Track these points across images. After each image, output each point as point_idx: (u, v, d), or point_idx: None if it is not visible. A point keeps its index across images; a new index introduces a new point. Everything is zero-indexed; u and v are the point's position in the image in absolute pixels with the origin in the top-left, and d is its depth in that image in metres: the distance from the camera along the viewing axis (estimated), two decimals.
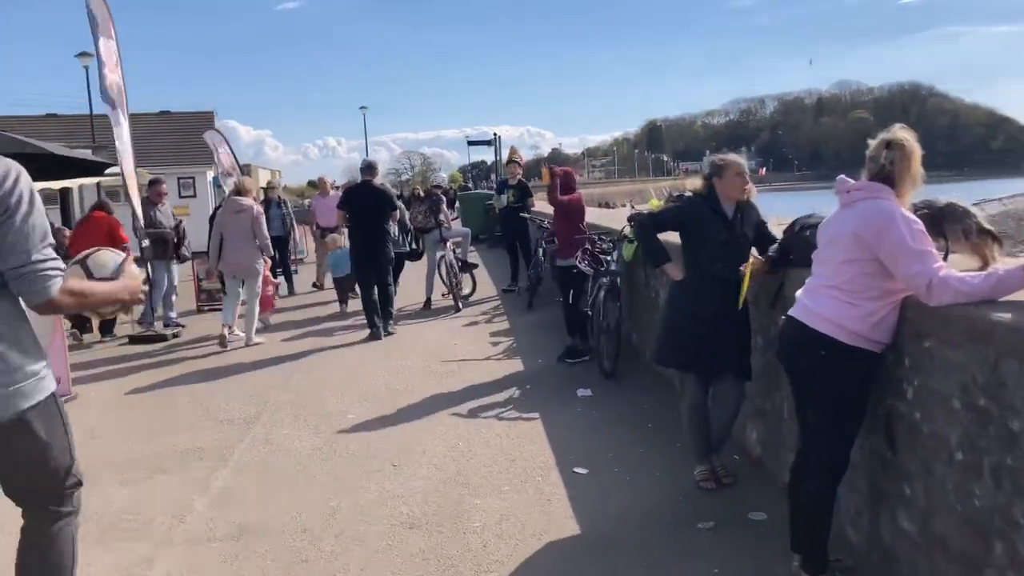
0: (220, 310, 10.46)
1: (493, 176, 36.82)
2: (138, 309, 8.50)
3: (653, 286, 6.84)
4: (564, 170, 8.44)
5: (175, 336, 9.69)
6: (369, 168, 9.51)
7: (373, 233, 9.07)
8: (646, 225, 4.71)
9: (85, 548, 2.95)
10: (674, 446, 4.93)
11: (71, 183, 12.37)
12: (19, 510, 2.59)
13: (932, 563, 2.86)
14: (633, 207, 10.83)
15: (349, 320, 10.25)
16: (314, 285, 13.60)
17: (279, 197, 13.81)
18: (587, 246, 7.22)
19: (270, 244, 9.27)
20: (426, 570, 3.60)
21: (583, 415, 5.80)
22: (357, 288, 10.03)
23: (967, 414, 2.60)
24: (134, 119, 10.83)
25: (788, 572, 3.31)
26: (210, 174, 22.56)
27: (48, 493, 2.54)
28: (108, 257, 2.70)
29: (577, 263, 7.16)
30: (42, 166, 8.62)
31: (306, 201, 19.24)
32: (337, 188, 16.19)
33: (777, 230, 4.42)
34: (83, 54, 24.11)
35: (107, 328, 9.85)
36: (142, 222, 9.12)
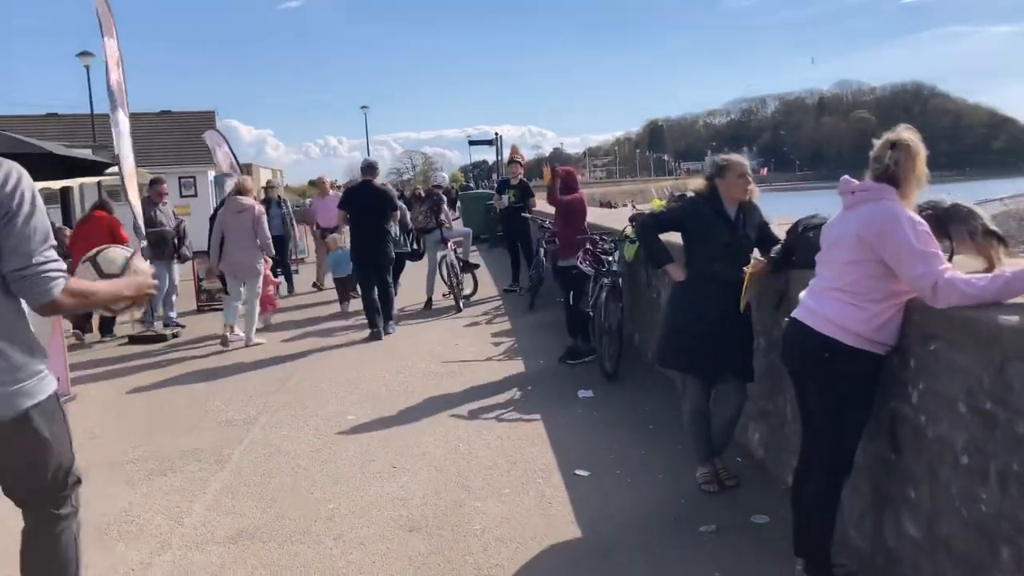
0: (220, 310, 10.46)
1: (494, 176, 36.79)
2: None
3: (655, 287, 6.81)
4: (565, 170, 8.41)
5: (175, 336, 9.67)
6: (370, 168, 9.50)
7: (374, 233, 9.05)
8: (648, 226, 4.69)
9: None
10: (676, 448, 4.91)
11: (71, 182, 12.36)
12: (18, 512, 2.57)
13: (936, 567, 2.83)
14: (634, 207, 10.75)
15: (349, 320, 10.23)
16: (314, 285, 13.59)
17: (279, 196, 13.79)
18: (588, 246, 7.19)
19: (271, 244, 9.27)
20: (426, 574, 3.57)
21: (584, 416, 5.77)
22: (358, 288, 10.01)
23: (973, 418, 2.57)
24: (135, 118, 10.81)
25: None
26: (211, 173, 22.53)
27: (48, 492, 2.53)
28: (118, 253, 2.74)
29: (578, 263, 7.14)
30: (42, 165, 8.61)
31: (307, 200, 19.17)
32: (338, 188, 16.17)
33: (779, 230, 4.39)
34: (84, 53, 24.12)
35: (107, 328, 9.84)
36: (142, 222, 9.08)
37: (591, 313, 7.09)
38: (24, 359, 2.37)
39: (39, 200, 2.34)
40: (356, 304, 10.39)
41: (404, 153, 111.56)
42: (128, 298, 2.67)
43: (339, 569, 3.64)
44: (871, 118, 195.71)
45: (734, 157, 4.38)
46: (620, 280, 7.11)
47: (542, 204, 12.19)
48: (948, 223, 3.01)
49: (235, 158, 12.87)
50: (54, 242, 2.38)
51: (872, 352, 2.97)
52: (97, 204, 10.04)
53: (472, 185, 41.82)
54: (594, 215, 9.66)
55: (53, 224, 2.46)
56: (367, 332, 9.03)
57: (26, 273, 2.26)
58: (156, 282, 2.82)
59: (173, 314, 10.10)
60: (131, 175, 9.28)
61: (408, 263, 11.14)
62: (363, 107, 48.79)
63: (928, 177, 2.94)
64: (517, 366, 7.40)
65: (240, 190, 9.20)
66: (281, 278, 12.24)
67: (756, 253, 4.29)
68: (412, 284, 11.56)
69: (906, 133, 2.95)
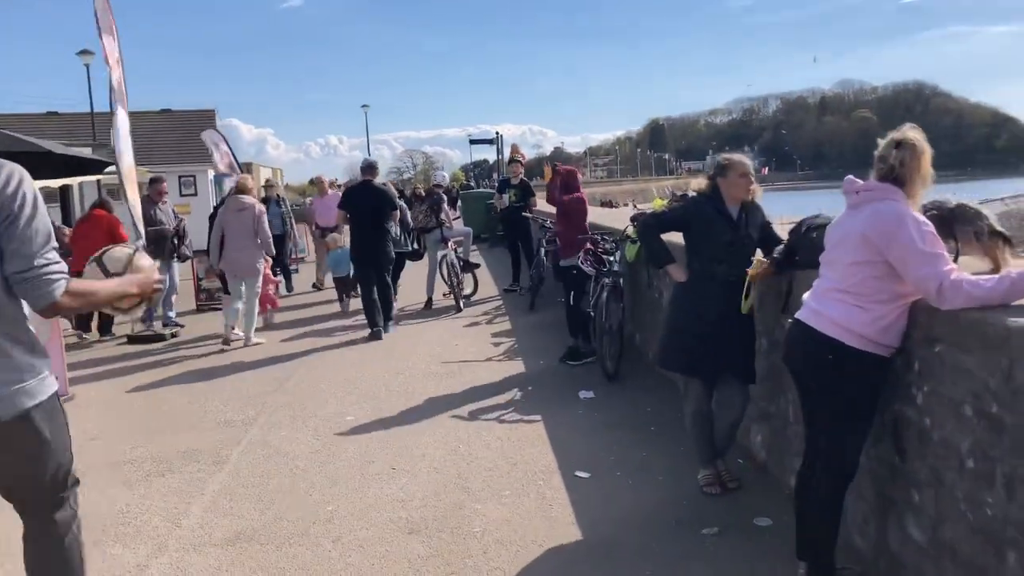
0: (219, 310, 10.44)
1: (495, 175, 36.75)
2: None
3: (656, 287, 6.78)
4: (567, 169, 8.38)
5: (174, 336, 9.64)
6: (370, 168, 9.49)
7: (373, 232, 9.04)
8: (649, 225, 4.65)
9: None
10: (677, 449, 4.87)
11: (71, 181, 12.32)
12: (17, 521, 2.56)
13: (941, 572, 2.80)
14: (635, 206, 10.74)
15: (349, 320, 10.20)
16: (314, 286, 13.53)
17: (278, 195, 13.75)
18: (589, 246, 7.15)
19: (272, 243, 9.25)
20: None
21: (585, 417, 5.73)
22: (357, 287, 9.98)
23: (979, 421, 2.53)
24: (135, 117, 10.79)
25: None
26: (211, 172, 22.49)
27: (47, 494, 2.53)
28: (122, 252, 2.76)
29: (579, 263, 7.10)
30: (41, 164, 8.57)
31: (307, 200, 19.14)
32: (339, 187, 16.13)
33: (780, 230, 4.36)
34: (84, 52, 24.10)
35: (106, 328, 9.82)
36: (140, 221, 9.05)
37: (592, 313, 7.05)
38: (26, 359, 2.37)
39: (41, 202, 2.35)
40: (356, 303, 10.36)
41: (405, 152, 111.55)
42: (134, 296, 2.67)
43: (338, 571, 3.61)
44: (873, 118, 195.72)
45: (736, 156, 4.34)
46: (621, 280, 7.07)
47: (543, 203, 12.16)
48: (953, 224, 2.98)
49: (235, 157, 12.82)
50: (56, 244, 2.38)
51: (876, 354, 2.94)
52: (97, 203, 10.01)
53: (473, 184, 41.85)
54: (595, 215, 9.63)
55: (52, 223, 2.45)
56: (367, 332, 9.00)
57: (28, 275, 2.26)
58: (161, 277, 2.83)
59: (172, 314, 10.07)
60: (130, 174, 9.25)
61: (408, 263, 11.11)
62: (364, 106, 48.79)
63: (933, 177, 2.91)
64: (517, 366, 7.37)
65: (241, 189, 9.19)
66: (280, 277, 12.21)
67: (758, 253, 4.25)
68: (412, 284, 11.53)
69: (911, 132, 2.91)
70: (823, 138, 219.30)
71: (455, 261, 10.74)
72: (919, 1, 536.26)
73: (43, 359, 2.44)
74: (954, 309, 2.63)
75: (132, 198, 9.10)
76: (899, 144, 2.89)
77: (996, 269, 2.88)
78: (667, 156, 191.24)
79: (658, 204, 7.64)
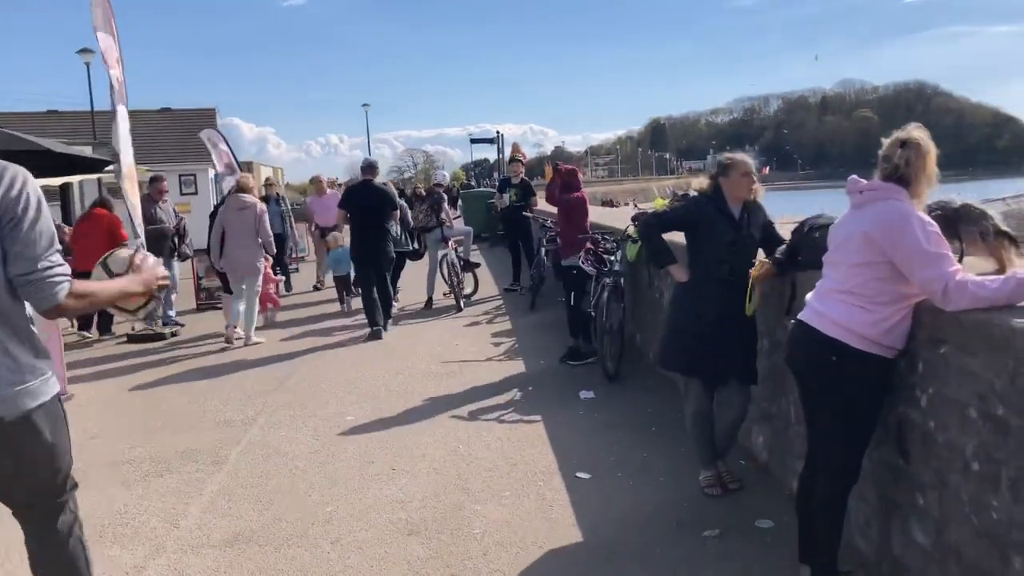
0: (220, 309, 10.42)
1: (496, 174, 36.72)
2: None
3: (657, 287, 6.75)
4: (568, 168, 8.36)
5: (174, 335, 9.62)
6: (370, 167, 9.48)
7: (374, 232, 9.03)
8: (651, 225, 4.62)
9: None
10: (678, 450, 4.85)
11: (71, 179, 12.31)
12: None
13: (945, 575, 2.77)
14: (636, 206, 10.71)
15: (349, 319, 10.18)
16: (315, 288, 13.47)
17: (278, 194, 13.72)
18: (590, 246, 7.12)
19: (273, 242, 9.24)
20: None
21: (585, 418, 5.71)
22: (353, 287, 9.97)
23: (984, 423, 2.50)
24: (135, 116, 10.76)
25: None
26: (211, 171, 22.46)
27: (47, 497, 2.53)
28: (126, 253, 2.78)
29: (580, 263, 7.08)
30: (41, 163, 8.56)
31: (307, 199, 19.11)
32: (339, 186, 16.11)
33: (781, 230, 4.33)
34: (85, 50, 24.09)
35: (105, 327, 9.80)
36: (138, 220, 9.03)
37: (592, 313, 7.03)
38: (30, 360, 2.37)
39: (45, 204, 2.35)
40: (356, 303, 10.34)
41: (405, 151, 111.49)
42: (139, 294, 2.69)
43: (336, 573, 3.59)
44: (874, 117, 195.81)
45: (738, 156, 4.31)
46: (622, 280, 7.05)
47: (543, 203, 12.14)
48: (958, 224, 2.95)
49: (234, 157, 12.79)
50: (59, 246, 2.39)
51: (879, 356, 2.91)
52: (97, 202, 9.99)
53: (473, 183, 41.81)
54: (596, 214, 9.60)
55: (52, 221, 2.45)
56: (367, 331, 8.98)
57: (32, 278, 2.27)
58: (166, 272, 2.83)
59: (172, 313, 10.05)
60: (130, 173, 9.22)
61: (408, 262, 11.09)
62: (364, 105, 48.77)
63: (939, 176, 2.88)
64: (518, 366, 7.34)
65: (242, 188, 9.17)
66: (281, 276, 12.19)
67: (760, 253, 4.22)
68: (412, 283, 11.51)
69: (916, 132, 2.88)
70: (824, 138, 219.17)
71: (455, 260, 10.72)
72: (920, 1, 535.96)
73: (46, 360, 2.45)
74: (959, 310, 2.61)
75: (132, 197, 9.08)
76: (904, 143, 2.86)
77: (1001, 269, 2.85)
78: (668, 155, 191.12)
79: (659, 204, 7.62)
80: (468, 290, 11.15)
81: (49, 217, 2.36)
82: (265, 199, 12.21)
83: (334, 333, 9.40)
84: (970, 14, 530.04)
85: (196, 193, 23.83)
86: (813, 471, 3.20)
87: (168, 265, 9.75)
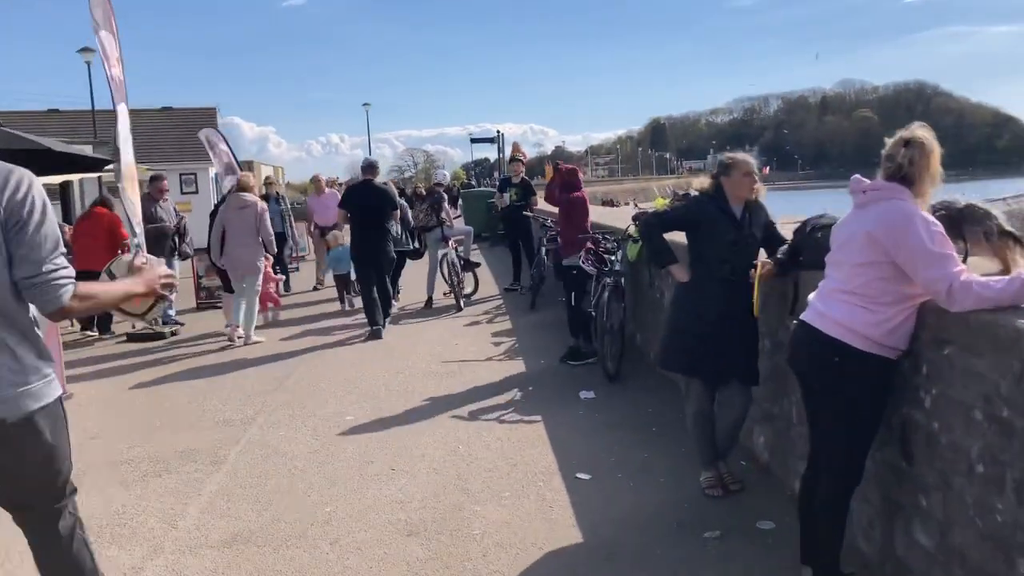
0: (220, 308, 10.40)
1: (496, 174, 36.70)
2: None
3: (658, 287, 6.73)
4: (569, 167, 8.34)
5: (173, 334, 9.60)
6: (370, 167, 9.47)
7: (374, 232, 9.02)
8: (652, 225, 4.60)
9: None
10: (679, 450, 4.82)
11: (71, 177, 12.29)
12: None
13: None
14: (636, 205, 10.67)
15: (349, 319, 10.16)
16: (315, 288, 13.44)
17: (277, 193, 13.69)
18: (591, 245, 7.10)
19: (274, 241, 9.22)
20: None
21: (586, 418, 5.69)
22: (354, 286, 9.95)
23: (989, 425, 2.48)
24: (136, 115, 10.73)
25: None
26: (212, 170, 22.44)
27: (47, 501, 2.53)
28: (128, 257, 2.85)
29: (580, 263, 7.06)
30: (42, 162, 8.53)
31: (306, 198, 19.10)
32: (340, 185, 16.08)
33: (782, 230, 4.31)
34: (85, 49, 24.05)
35: (105, 326, 9.78)
36: (135, 220, 8.99)
37: (593, 313, 7.01)
38: (33, 361, 2.39)
39: (49, 207, 2.37)
40: (356, 302, 10.32)
41: (406, 151, 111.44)
42: (142, 295, 2.71)
43: (335, 574, 3.57)
44: (874, 117, 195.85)
45: (740, 155, 4.30)
46: (622, 280, 7.02)
47: (543, 203, 12.12)
48: (962, 224, 2.92)
49: (234, 157, 12.75)
50: (64, 249, 2.40)
51: (882, 356, 2.88)
52: (98, 201, 9.99)
53: (474, 183, 41.78)
54: (596, 213, 9.58)
55: None
56: (367, 331, 8.96)
57: (36, 281, 2.29)
58: (169, 271, 2.83)
59: (172, 312, 10.03)
60: (130, 172, 9.18)
61: (409, 261, 11.07)
62: (365, 104, 48.78)
63: (943, 176, 2.85)
64: (518, 366, 7.32)
65: (242, 187, 9.16)
66: (282, 275, 12.17)
67: (762, 253, 4.20)
68: (412, 283, 11.49)
69: (920, 131, 2.86)
70: (824, 138, 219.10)
71: (456, 260, 10.70)
72: (920, 1, 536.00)
73: (48, 362, 2.46)
74: (964, 311, 2.58)
75: (132, 196, 9.04)
76: (908, 142, 2.83)
77: (1006, 270, 2.82)
78: (668, 155, 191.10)
79: (660, 203, 7.60)
80: (468, 290, 11.12)
81: (54, 220, 2.38)
82: (265, 198, 12.19)
83: (334, 332, 9.38)
84: (970, 14, 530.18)
85: (197, 192, 23.81)
86: (815, 472, 3.18)
87: (168, 264, 9.74)
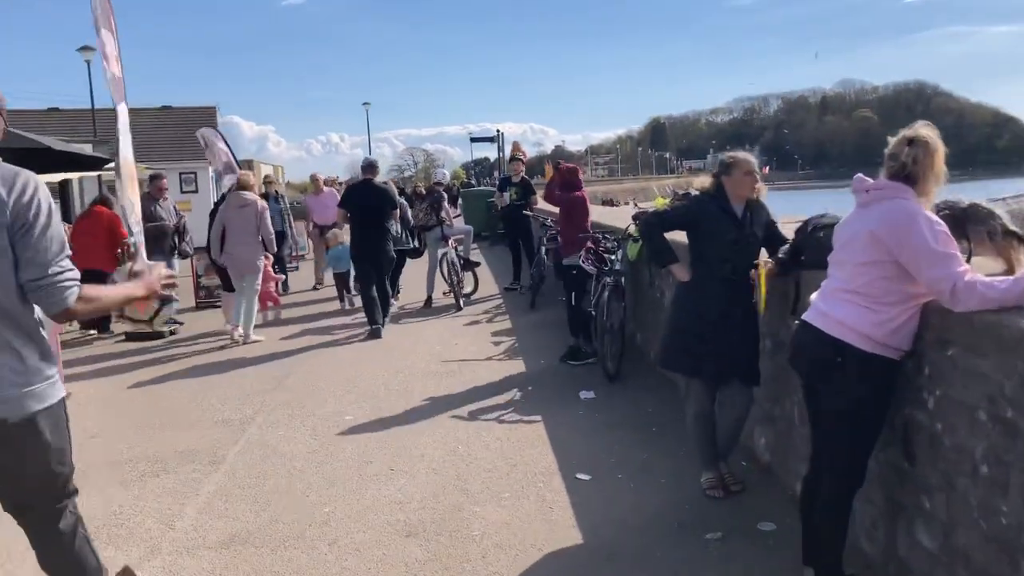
0: (219, 307, 10.37)
1: (496, 173, 36.67)
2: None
3: (658, 286, 6.71)
4: (570, 166, 8.31)
5: (172, 333, 9.56)
6: (370, 167, 9.46)
7: (374, 231, 9.01)
8: (653, 224, 4.58)
9: None
10: (679, 451, 4.80)
11: (71, 175, 12.26)
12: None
13: None
14: (636, 205, 10.62)
15: (348, 318, 10.14)
16: (315, 288, 13.40)
17: (276, 192, 13.67)
18: (591, 245, 7.08)
19: (275, 240, 9.20)
20: None
21: (586, 418, 5.66)
22: (354, 285, 9.94)
23: (994, 426, 2.46)
24: (135, 114, 10.69)
25: None
26: (211, 169, 22.41)
27: (47, 502, 2.55)
28: (128, 265, 2.84)
29: (581, 262, 7.03)
30: (41, 160, 8.52)
31: (305, 197, 19.08)
32: (340, 184, 16.06)
33: (783, 229, 4.28)
34: (85, 48, 24.03)
35: (104, 325, 9.75)
36: (132, 219, 8.96)
37: (593, 312, 6.98)
38: (37, 363, 2.41)
39: (55, 210, 2.40)
40: (356, 301, 10.30)
41: (406, 150, 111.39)
42: (142, 299, 2.76)
43: (334, 575, 3.55)
44: (874, 117, 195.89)
45: (741, 154, 4.27)
46: (623, 279, 7.00)
47: (543, 202, 12.09)
48: (966, 223, 2.90)
49: (233, 156, 12.71)
50: (69, 252, 2.43)
51: (885, 357, 2.86)
52: (97, 199, 9.96)
53: (473, 182, 41.74)
54: (596, 213, 9.56)
55: None
56: (366, 330, 8.94)
57: (43, 283, 2.32)
58: (169, 271, 2.86)
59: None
60: (129, 171, 9.15)
61: (409, 260, 11.05)
62: (365, 104, 48.91)
63: (947, 175, 2.83)
64: (518, 366, 7.30)
65: (242, 185, 9.14)
66: (282, 275, 12.15)
67: (763, 253, 4.18)
68: (412, 282, 11.46)
69: (924, 129, 2.83)
70: (824, 138, 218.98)
71: (455, 259, 10.67)
72: (920, 1, 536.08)
73: (52, 363, 2.49)
74: (968, 311, 2.56)
75: (131, 195, 9.01)
76: (912, 141, 2.81)
77: (1010, 270, 2.80)
78: (668, 155, 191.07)
79: (659, 202, 7.58)
80: (468, 289, 11.10)
81: (60, 223, 2.41)
82: (264, 197, 12.16)
83: (333, 332, 9.35)
84: (970, 14, 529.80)
85: (196, 191, 23.81)
86: (817, 473, 3.16)
87: (168, 263, 9.72)
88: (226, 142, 13.15)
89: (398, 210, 9.56)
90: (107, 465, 5.06)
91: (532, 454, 4.95)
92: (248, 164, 29.61)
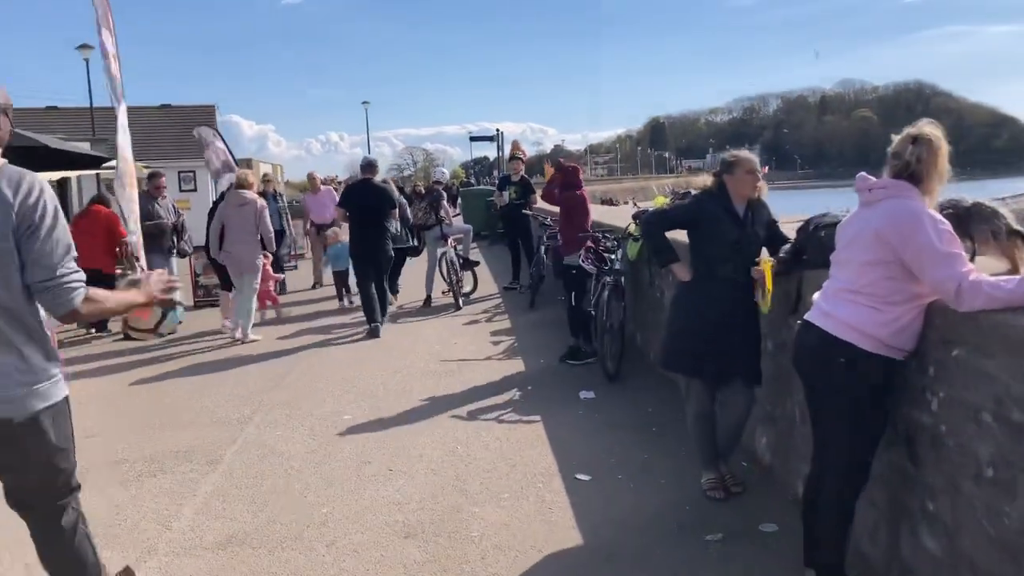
0: (217, 306, 10.34)
1: (496, 172, 36.65)
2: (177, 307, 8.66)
3: (658, 286, 6.68)
4: (571, 165, 8.28)
5: (171, 332, 9.51)
6: (370, 166, 9.44)
7: (373, 231, 9.00)
8: (653, 223, 4.55)
9: None
10: (680, 451, 4.77)
11: (69, 174, 12.23)
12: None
13: None
14: (636, 204, 10.58)
15: (347, 317, 10.11)
16: (314, 287, 13.36)
17: (275, 190, 13.63)
18: (591, 244, 7.05)
19: (274, 238, 9.17)
20: None
21: (585, 418, 5.64)
22: (352, 284, 9.92)
23: (1000, 428, 2.43)
24: (134, 112, 10.66)
25: None
26: (208, 169, 22.38)
27: (49, 499, 2.58)
28: (128, 276, 3.02)
29: (580, 262, 7.00)
30: (40, 159, 8.49)
31: (303, 196, 19.04)
32: (339, 184, 16.03)
33: (784, 229, 4.26)
34: (84, 46, 24.01)
35: (102, 324, 9.73)
36: (130, 218, 8.93)
37: (593, 312, 6.96)
38: (41, 362, 2.44)
39: (61, 213, 2.42)
40: (355, 299, 10.27)
41: (405, 149, 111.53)
42: (143, 305, 2.81)
43: None
44: (873, 117, 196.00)
45: (743, 153, 4.25)
46: (623, 279, 6.97)
47: (542, 202, 12.07)
48: (970, 223, 2.88)
49: (231, 155, 12.66)
50: (75, 253, 2.45)
51: (889, 357, 2.83)
52: (96, 198, 9.96)
53: (473, 181, 41.75)
54: (596, 212, 9.52)
55: None
56: (365, 329, 8.91)
57: (49, 285, 2.35)
58: (168, 276, 2.89)
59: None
60: (128, 170, 9.12)
61: (408, 260, 11.03)
62: (364, 103, 49.05)
63: (951, 174, 2.80)
64: (517, 365, 7.27)
65: (241, 184, 9.11)
66: (282, 274, 12.11)
67: (764, 252, 4.15)
68: (411, 281, 11.43)
69: (928, 127, 2.81)
70: (824, 137, 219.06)
71: (455, 259, 10.65)
72: (919, 1, 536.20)
73: (55, 362, 2.51)
74: (973, 311, 2.53)
75: (130, 192, 8.98)
76: (915, 139, 2.79)
77: (1015, 269, 2.78)
78: (667, 154, 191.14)
79: (659, 202, 7.55)
80: (467, 288, 11.08)
81: (65, 225, 2.44)
82: (263, 195, 12.12)
83: (332, 331, 9.32)
84: (970, 14, 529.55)
85: (195, 190, 23.75)
86: (819, 473, 3.13)
87: (166, 262, 9.69)
88: (223, 140, 13.11)
89: (397, 209, 9.54)
90: (105, 464, 5.03)
91: (531, 454, 4.92)
92: (248, 163, 29.56)
